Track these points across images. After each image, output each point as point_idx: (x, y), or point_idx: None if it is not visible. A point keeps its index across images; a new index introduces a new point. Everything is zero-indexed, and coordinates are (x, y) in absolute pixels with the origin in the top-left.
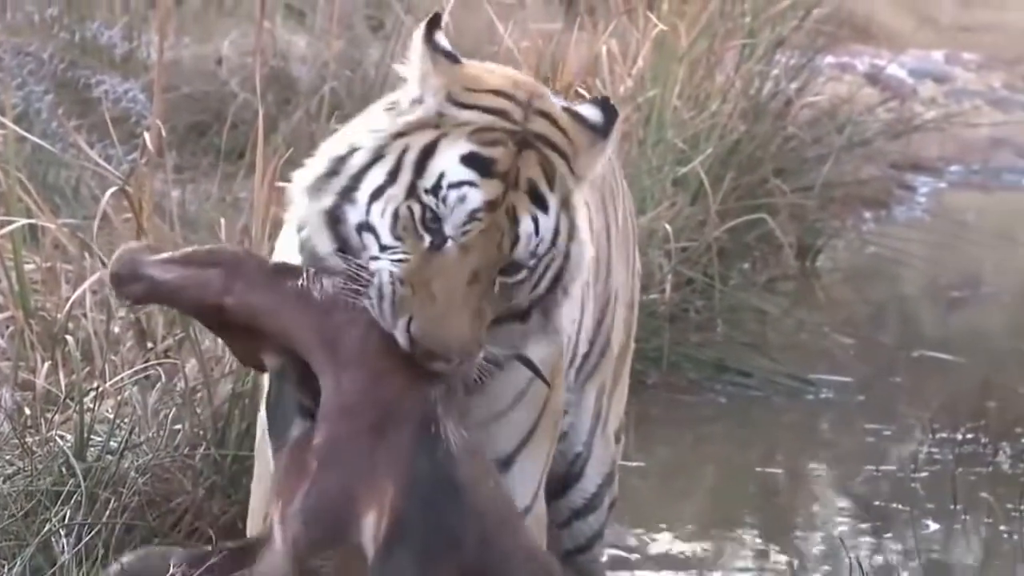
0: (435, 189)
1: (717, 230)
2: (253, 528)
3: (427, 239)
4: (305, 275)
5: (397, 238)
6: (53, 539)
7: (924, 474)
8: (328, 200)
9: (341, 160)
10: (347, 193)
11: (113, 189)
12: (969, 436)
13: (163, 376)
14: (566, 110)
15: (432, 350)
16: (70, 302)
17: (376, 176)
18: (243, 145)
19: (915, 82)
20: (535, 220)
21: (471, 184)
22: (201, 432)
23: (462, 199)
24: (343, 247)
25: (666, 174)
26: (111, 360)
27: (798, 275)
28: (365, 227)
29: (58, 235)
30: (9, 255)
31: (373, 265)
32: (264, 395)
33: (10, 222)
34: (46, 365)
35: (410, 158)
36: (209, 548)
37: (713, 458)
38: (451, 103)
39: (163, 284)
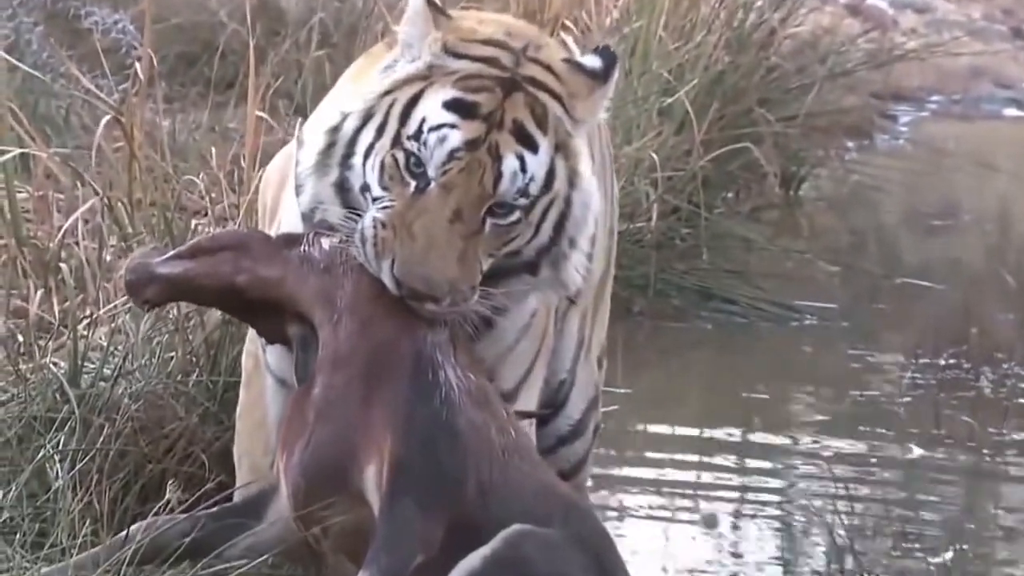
0: (417, 134)
1: (702, 159)
2: (239, 458)
3: (412, 184)
4: (306, 239)
5: (384, 188)
6: (47, 465)
7: (907, 399)
8: (334, 173)
9: (335, 130)
10: (346, 160)
11: (106, 119)
12: (951, 362)
13: None
14: (565, 60)
15: (416, 289)
16: (62, 231)
17: (367, 136)
18: (232, 75)
19: (896, 13)
20: (520, 158)
21: (451, 126)
22: (193, 359)
23: (442, 140)
24: (351, 213)
25: (652, 104)
26: (104, 288)
27: (782, 203)
28: (364, 188)
29: (49, 164)
30: (1, 184)
31: (364, 218)
32: (292, 365)
33: (2, 152)
34: (39, 293)
35: (396, 110)
36: (212, 510)
37: (698, 384)
38: (444, 54)
39: (177, 279)
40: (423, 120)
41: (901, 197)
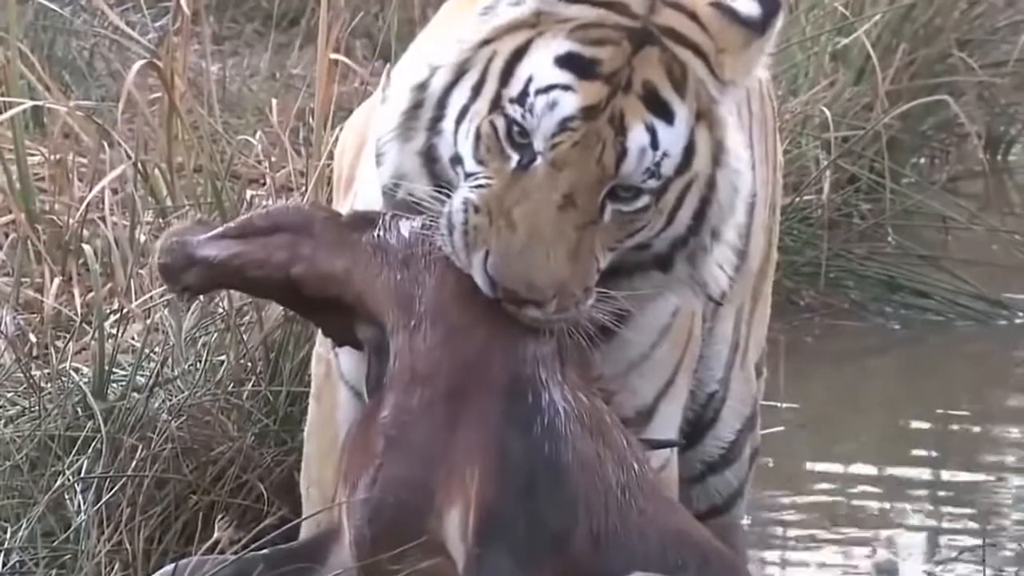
0: (521, 97)
1: (887, 116)
2: (307, 488)
3: (514, 158)
4: (382, 223)
5: (480, 162)
6: (67, 496)
7: None
8: (420, 139)
9: (422, 87)
10: (435, 125)
11: (139, 64)
12: None
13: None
14: (712, 3)
15: (515, 290)
16: (85, 203)
17: (460, 95)
18: (298, 9)
19: None
20: (651, 130)
21: (565, 87)
22: (249, 364)
23: (552, 105)
24: (439, 188)
25: (823, 46)
26: (137, 275)
27: (987, 172)
28: (456, 159)
29: (69, 120)
30: (9, 146)
31: (454, 198)
32: (364, 374)
33: (10, 105)
34: (56, 281)
35: (496, 65)
36: (269, 552)
37: (881, 399)
38: None
39: (221, 266)
40: (529, 79)
41: None
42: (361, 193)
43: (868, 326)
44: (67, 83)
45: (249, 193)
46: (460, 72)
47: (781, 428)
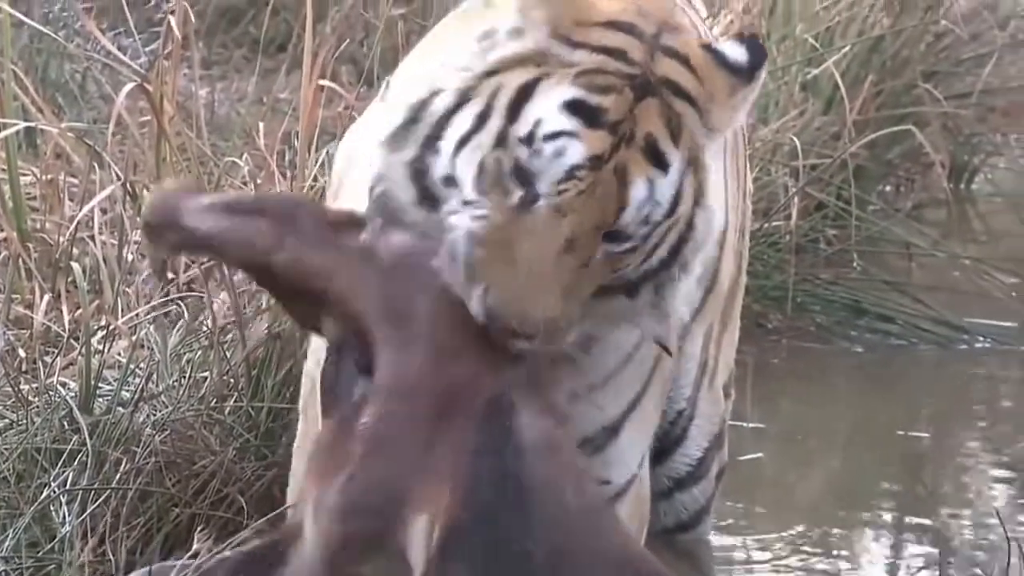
0: (529, 138)
1: (854, 145)
2: (294, 498)
3: (515, 195)
4: (371, 228)
5: (482, 192)
6: (52, 507)
7: None
8: (410, 151)
9: (422, 105)
10: (430, 142)
11: (129, 87)
12: None
13: (186, 313)
14: (704, 47)
15: (511, 327)
16: (75, 222)
17: (463, 121)
18: (285, 35)
19: None
20: (650, 183)
21: (572, 135)
22: (231, 380)
23: (559, 153)
24: (424, 200)
25: (794, 76)
26: (124, 293)
27: (951, 200)
28: (450, 180)
29: (61, 141)
30: (1, 165)
31: (451, 220)
32: (321, 360)
33: (4, 125)
34: (45, 298)
35: (502, 100)
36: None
37: (846, 420)
38: (557, 40)
39: (203, 236)
40: (537, 123)
41: None
42: (348, 192)
43: (834, 349)
44: (60, 105)
45: None
46: (463, 98)
47: (760, 455)
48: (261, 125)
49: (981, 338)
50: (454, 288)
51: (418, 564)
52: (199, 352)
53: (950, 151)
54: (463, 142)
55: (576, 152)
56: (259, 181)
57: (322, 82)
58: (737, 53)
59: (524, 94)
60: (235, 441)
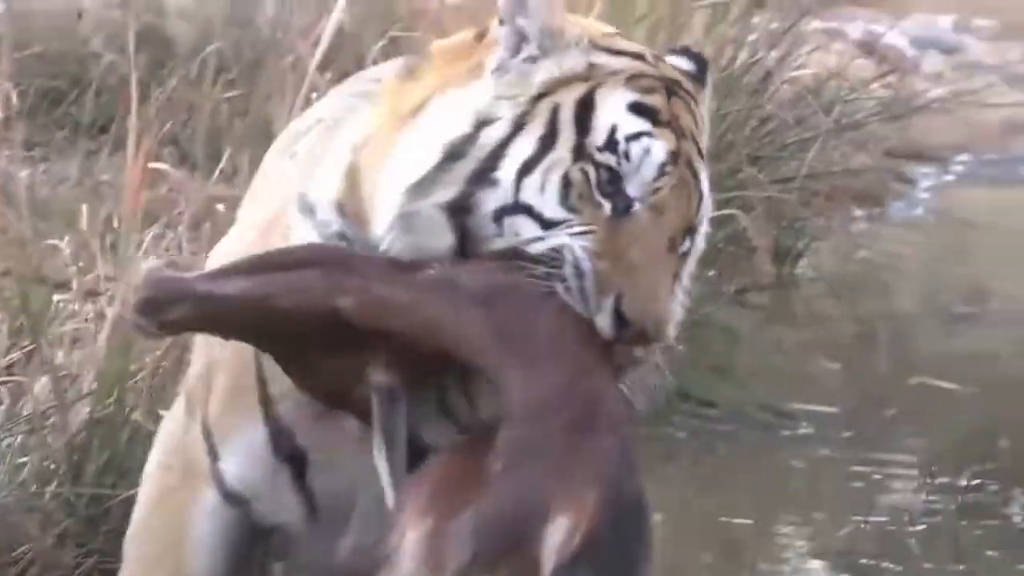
0: (610, 144)
1: None
2: None
3: (606, 205)
4: (436, 266)
5: (570, 209)
6: None
7: (921, 527)
8: (448, 192)
9: (466, 140)
10: (481, 176)
11: None
12: (975, 482)
13: (5, 397)
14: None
15: (646, 330)
16: None
17: (523, 147)
18: (108, 117)
19: (917, 54)
20: (707, 174)
21: (650, 134)
22: (52, 466)
23: (647, 151)
24: (464, 240)
25: None
26: None
27: (774, 284)
28: (512, 209)
29: None
30: None
31: (550, 242)
32: (375, 418)
33: None
34: None
35: (566, 116)
36: None
37: (667, 506)
38: (599, 50)
39: (231, 298)
40: (613, 128)
41: (919, 279)
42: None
43: (655, 434)
44: None
45: (56, 297)
46: (518, 125)
47: None
48: (84, 208)
49: (804, 424)
50: (578, 304)
51: (548, 564)
52: (19, 437)
53: (774, 235)
54: (528, 167)
55: (661, 148)
56: (81, 264)
57: (151, 165)
58: (683, 63)
59: (585, 107)
60: (55, 528)
